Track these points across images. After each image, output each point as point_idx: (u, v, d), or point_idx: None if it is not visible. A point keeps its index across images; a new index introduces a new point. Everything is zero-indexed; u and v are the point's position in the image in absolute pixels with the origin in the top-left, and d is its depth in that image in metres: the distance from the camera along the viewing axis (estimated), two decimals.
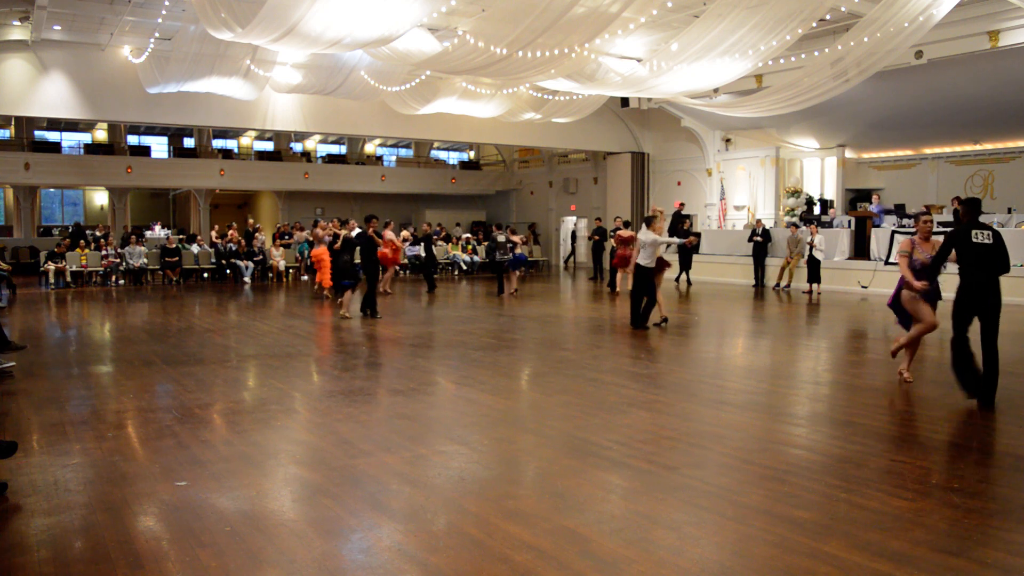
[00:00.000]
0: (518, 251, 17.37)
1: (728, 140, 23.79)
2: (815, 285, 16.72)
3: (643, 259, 11.03)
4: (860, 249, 17.78)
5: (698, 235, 19.98)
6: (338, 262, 12.53)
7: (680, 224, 20.04)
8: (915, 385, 7.42)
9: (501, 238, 17.02)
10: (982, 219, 6.89)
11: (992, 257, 6.38)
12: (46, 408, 6.69)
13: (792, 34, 11.73)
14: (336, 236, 15.70)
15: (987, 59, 15.29)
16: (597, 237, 21.82)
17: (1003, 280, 6.47)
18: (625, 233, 16.25)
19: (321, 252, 16.40)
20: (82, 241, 20.37)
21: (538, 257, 27.88)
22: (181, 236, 23.57)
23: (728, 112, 17.83)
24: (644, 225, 11.37)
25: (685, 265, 19.66)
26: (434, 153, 34.14)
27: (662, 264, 11.48)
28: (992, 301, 6.39)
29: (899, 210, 18.36)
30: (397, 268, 19.92)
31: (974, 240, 6.46)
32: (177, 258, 20.86)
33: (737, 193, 23.23)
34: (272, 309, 14.90)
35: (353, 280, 12.61)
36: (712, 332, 12.02)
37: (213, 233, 22.94)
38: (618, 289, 17.16)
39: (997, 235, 6.48)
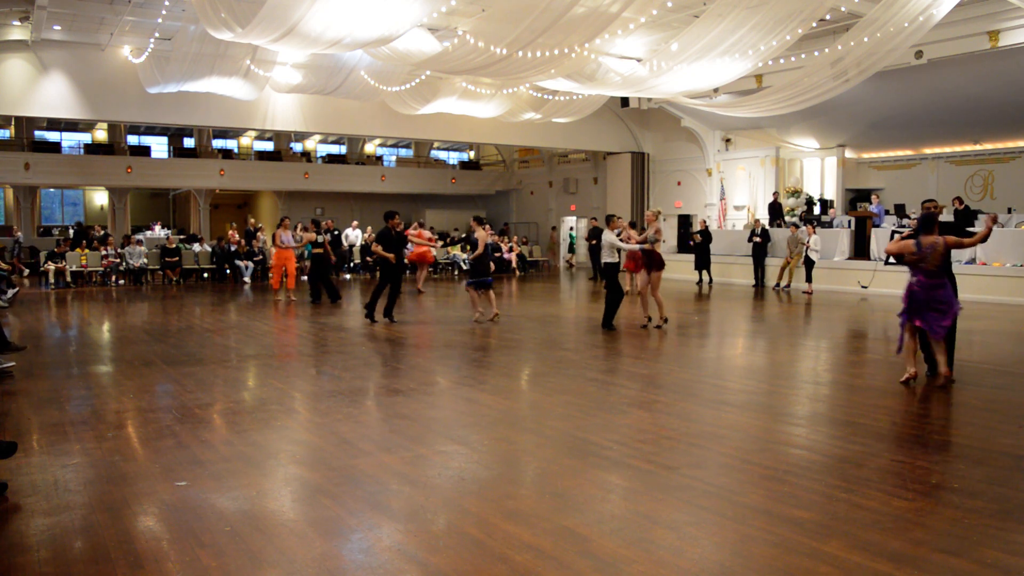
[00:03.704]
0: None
1: (728, 140, 23.77)
2: (809, 285, 16.78)
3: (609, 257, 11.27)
4: (860, 249, 17.78)
5: (702, 234, 19.93)
6: (482, 262, 12.04)
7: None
8: (915, 385, 7.41)
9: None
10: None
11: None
12: (46, 408, 6.68)
13: (792, 34, 11.73)
14: (315, 242, 15.53)
15: (987, 59, 15.29)
16: (594, 240, 21.77)
17: (1002, 280, 6.51)
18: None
19: (287, 254, 16.26)
20: (83, 241, 20.36)
21: (538, 257, 27.88)
22: (181, 236, 23.51)
23: (728, 112, 17.83)
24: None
25: (703, 264, 19.70)
26: (434, 153, 34.14)
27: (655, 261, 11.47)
28: None
29: (899, 210, 18.35)
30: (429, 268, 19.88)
31: None
32: (177, 258, 20.86)
33: (737, 193, 23.23)
34: (272, 309, 14.89)
35: (487, 279, 12.01)
36: (712, 332, 12.02)
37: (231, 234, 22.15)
38: (627, 289, 16.97)
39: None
